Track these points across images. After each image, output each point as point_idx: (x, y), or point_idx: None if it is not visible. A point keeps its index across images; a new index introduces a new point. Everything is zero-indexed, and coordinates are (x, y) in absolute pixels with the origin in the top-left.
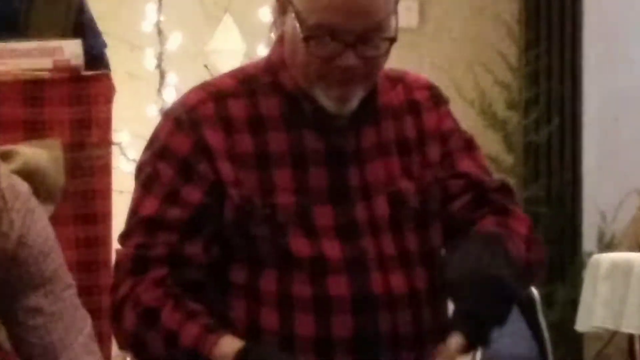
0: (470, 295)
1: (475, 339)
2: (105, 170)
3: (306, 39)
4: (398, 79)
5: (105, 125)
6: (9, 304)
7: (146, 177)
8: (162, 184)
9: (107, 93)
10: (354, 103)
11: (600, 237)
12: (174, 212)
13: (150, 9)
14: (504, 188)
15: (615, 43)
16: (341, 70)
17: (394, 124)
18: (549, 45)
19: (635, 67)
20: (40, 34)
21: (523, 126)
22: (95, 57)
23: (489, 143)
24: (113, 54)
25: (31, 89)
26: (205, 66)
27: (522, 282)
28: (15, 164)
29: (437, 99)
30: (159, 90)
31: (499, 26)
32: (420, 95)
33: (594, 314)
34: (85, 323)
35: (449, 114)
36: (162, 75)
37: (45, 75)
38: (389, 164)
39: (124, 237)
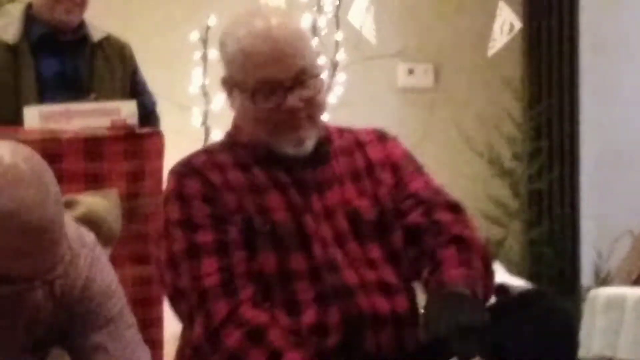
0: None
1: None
2: (157, 216)
3: (252, 96)
4: (346, 130)
5: (157, 176)
6: (76, 341)
7: (179, 221)
8: (201, 216)
9: (159, 148)
10: (308, 145)
11: (597, 273)
12: (232, 230)
13: (197, 73)
14: (452, 206)
15: (611, 101)
16: (288, 113)
17: (345, 159)
18: (550, 103)
19: (630, 123)
20: (102, 95)
21: (527, 175)
22: (148, 112)
23: (497, 190)
24: (164, 114)
25: (92, 145)
26: None
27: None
28: (78, 211)
29: (382, 136)
30: (205, 145)
31: (505, 86)
32: (364, 137)
33: (592, 342)
34: (146, 358)
35: (396, 147)
36: (207, 132)
37: (104, 133)
38: (344, 190)
39: (195, 269)
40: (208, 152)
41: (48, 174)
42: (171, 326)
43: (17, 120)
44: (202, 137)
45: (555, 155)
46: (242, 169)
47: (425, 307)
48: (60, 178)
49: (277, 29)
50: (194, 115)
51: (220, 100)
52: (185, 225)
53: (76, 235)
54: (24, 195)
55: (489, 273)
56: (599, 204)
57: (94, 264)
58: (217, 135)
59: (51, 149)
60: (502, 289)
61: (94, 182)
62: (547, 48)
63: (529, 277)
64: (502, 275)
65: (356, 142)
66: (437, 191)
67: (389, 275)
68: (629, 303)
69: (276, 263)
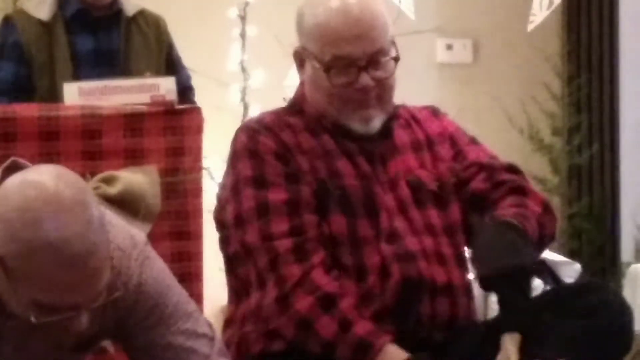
0: (503, 291)
1: (523, 329)
2: (196, 192)
3: (327, 71)
4: (400, 106)
5: (196, 152)
6: (136, 340)
7: (251, 178)
8: (275, 174)
9: (198, 124)
10: (376, 123)
11: (638, 248)
12: (305, 190)
13: (235, 50)
14: (512, 168)
15: None
16: (359, 91)
17: (405, 132)
18: (589, 77)
19: None
20: (138, 70)
21: (567, 151)
22: (184, 87)
23: (537, 166)
24: (202, 90)
25: (131, 122)
26: (284, 99)
27: (537, 255)
28: (117, 187)
29: (435, 112)
30: (243, 121)
31: (544, 61)
32: (418, 114)
33: (634, 319)
34: (211, 346)
35: (450, 121)
36: (246, 108)
37: (144, 109)
38: (405, 159)
39: (265, 228)
40: (277, 113)
41: (90, 197)
42: (210, 303)
43: (52, 96)
44: (241, 114)
45: (595, 130)
46: (312, 133)
47: (474, 239)
48: (100, 154)
49: (358, 6)
50: (233, 91)
51: (259, 77)
52: (257, 182)
53: (126, 235)
54: (68, 225)
55: (548, 216)
56: (639, 179)
57: (145, 263)
58: (256, 111)
59: (91, 125)
60: (544, 266)
61: (134, 158)
62: (587, 22)
63: (568, 252)
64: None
65: (412, 117)
66: (495, 157)
67: (445, 246)
68: None
69: (346, 227)
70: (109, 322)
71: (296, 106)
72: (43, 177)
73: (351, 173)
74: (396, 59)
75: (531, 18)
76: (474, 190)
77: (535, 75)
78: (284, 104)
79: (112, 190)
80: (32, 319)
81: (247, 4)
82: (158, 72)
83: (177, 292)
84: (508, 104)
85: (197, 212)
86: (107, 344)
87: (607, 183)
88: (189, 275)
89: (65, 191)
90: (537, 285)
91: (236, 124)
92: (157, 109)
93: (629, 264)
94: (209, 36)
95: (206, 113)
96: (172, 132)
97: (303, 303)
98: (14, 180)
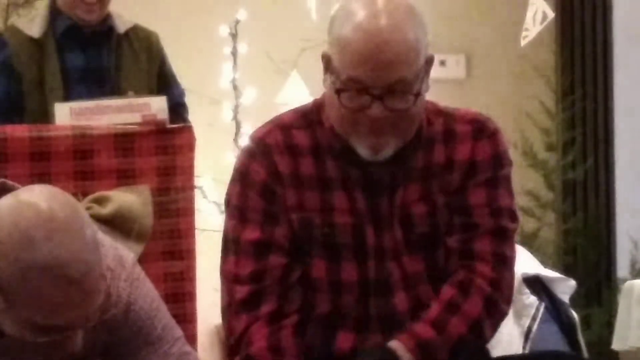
0: None
1: None
2: (188, 211)
3: (338, 92)
4: (442, 114)
5: (188, 171)
6: None
7: (236, 207)
8: (254, 210)
9: (189, 143)
10: (387, 152)
11: (633, 264)
12: (278, 232)
13: (227, 68)
14: (495, 232)
15: None
16: (370, 120)
17: (424, 154)
18: (584, 92)
19: None
20: (128, 87)
21: (561, 166)
22: (177, 104)
23: (531, 181)
24: (195, 108)
25: (122, 141)
26: None
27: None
28: (110, 208)
29: (479, 132)
30: (235, 139)
31: (537, 76)
32: (460, 128)
33: (629, 334)
34: None
35: (487, 148)
36: (238, 126)
37: (135, 129)
38: (408, 191)
39: (234, 267)
40: (287, 128)
41: (83, 217)
42: (203, 322)
43: (43, 113)
44: (233, 132)
45: (589, 145)
46: (315, 157)
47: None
48: (92, 174)
49: (388, 30)
50: (225, 109)
51: (250, 94)
52: (239, 214)
53: (115, 255)
54: (63, 246)
55: (475, 331)
56: (634, 194)
57: (134, 284)
58: (248, 129)
59: (82, 145)
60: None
61: (125, 177)
62: (581, 37)
63: (563, 269)
64: (536, 267)
65: (447, 132)
66: (494, 212)
67: (429, 295)
68: None
69: (325, 272)
70: (98, 342)
71: (313, 114)
72: (36, 198)
73: (344, 208)
74: (417, 95)
75: (524, 33)
76: (447, 246)
77: (529, 91)
78: None
79: (104, 210)
80: (29, 339)
81: (237, 22)
82: (150, 89)
83: (166, 315)
84: (501, 119)
85: (190, 231)
86: None
87: (602, 198)
88: (182, 295)
89: (59, 212)
90: (532, 302)
91: (228, 141)
92: (149, 129)
93: (624, 280)
94: (201, 54)
95: (198, 131)
96: (163, 151)
97: None
98: (7, 201)
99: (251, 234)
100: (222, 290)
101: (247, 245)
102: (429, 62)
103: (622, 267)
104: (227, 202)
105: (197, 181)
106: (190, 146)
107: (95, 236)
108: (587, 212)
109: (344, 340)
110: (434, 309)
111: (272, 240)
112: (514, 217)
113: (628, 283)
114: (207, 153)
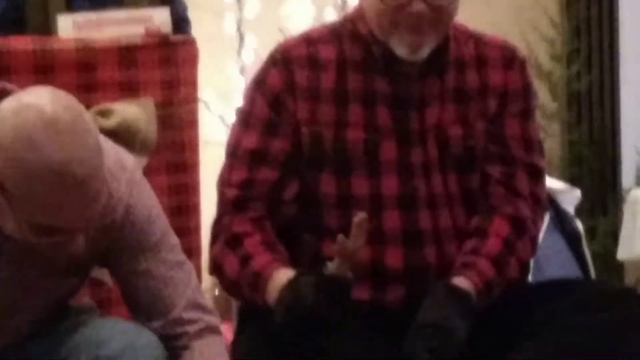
0: (431, 344)
1: None
2: (192, 124)
3: None
4: (472, 36)
5: (192, 84)
6: (122, 267)
7: (243, 111)
8: (259, 118)
9: (193, 56)
10: (424, 51)
11: (638, 174)
12: (276, 144)
13: None
14: (532, 171)
15: None
16: (411, 16)
17: (456, 75)
18: (588, 2)
19: None
20: (133, 2)
21: (566, 77)
22: (179, 19)
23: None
24: (198, 20)
25: (126, 54)
26: (280, 29)
27: (477, 313)
28: (113, 120)
29: (510, 59)
30: (239, 52)
31: None
32: (491, 53)
33: (634, 244)
34: (190, 277)
35: (518, 77)
36: (241, 38)
37: (138, 41)
38: (444, 111)
39: (228, 169)
40: (313, 42)
41: (87, 120)
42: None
43: (44, 28)
44: (237, 44)
45: (594, 56)
46: (338, 70)
47: (427, 301)
48: (95, 87)
49: None
50: (228, 22)
51: (254, 7)
52: (244, 119)
53: (116, 159)
54: (68, 149)
55: (521, 273)
56: (639, 103)
57: (134, 189)
58: (251, 42)
59: (86, 58)
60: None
61: (129, 90)
62: None
63: (569, 179)
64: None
65: (478, 57)
66: (528, 145)
67: (462, 217)
68: None
69: (335, 187)
70: (98, 247)
71: (343, 27)
72: (39, 100)
73: (359, 123)
74: None
75: None
76: (488, 175)
77: (534, 1)
78: (279, 33)
79: (108, 122)
80: (32, 240)
81: None
82: (152, 3)
83: (164, 222)
84: (506, 30)
85: (194, 144)
86: (105, 276)
87: (607, 109)
88: (187, 207)
89: (63, 114)
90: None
91: (232, 54)
92: (152, 41)
93: (629, 190)
94: None
95: (201, 44)
96: (167, 64)
97: (217, 247)
98: (10, 103)
99: (249, 141)
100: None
101: (243, 153)
102: None
103: (627, 177)
104: (240, 106)
105: (200, 93)
106: (193, 59)
107: (97, 139)
108: (592, 123)
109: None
110: (495, 245)
111: (268, 152)
112: (542, 152)
113: (633, 192)
114: (210, 65)
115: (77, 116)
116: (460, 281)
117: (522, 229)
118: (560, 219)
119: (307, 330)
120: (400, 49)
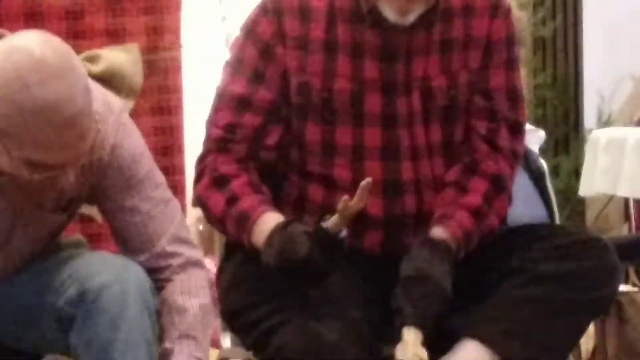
0: (415, 295)
1: (424, 328)
2: (176, 69)
3: None
4: None
5: (175, 30)
6: (109, 203)
7: (234, 57)
8: (248, 65)
9: (176, 3)
10: (412, 16)
11: (599, 116)
12: (262, 93)
13: None
14: (514, 127)
15: None
16: None
17: (443, 26)
18: None
19: None
20: None
21: (532, 23)
22: None
23: None
24: None
25: (112, 2)
26: None
27: (456, 262)
28: (101, 65)
29: (495, 8)
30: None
31: None
32: (479, 3)
33: (594, 181)
34: (175, 213)
35: (503, 26)
36: None
37: None
38: (429, 62)
39: (215, 111)
40: None
41: (76, 62)
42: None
43: None
44: None
45: (558, 3)
46: (328, 21)
47: (411, 254)
48: (83, 34)
49: None
50: None
51: None
52: (234, 65)
53: (103, 101)
54: (56, 90)
55: (499, 225)
56: (601, 50)
57: (120, 129)
58: None
59: (74, 5)
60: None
61: (115, 37)
62: None
63: (534, 121)
64: None
65: (466, 6)
66: (511, 97)
67: (441, 167)
68: (630, 143)
69: (320, 134)
70: (86, 185)
71: None
72: (29, 43)
73: (346, 74)
74: None
75: None
76: (472, 128)
77: None
78: None
79: (96, 68)
80: (25, 175)
81: None
82: None
83: (150, 161)
84: None
85: (177, 88)
86: (94, 212)
87: (571, 54)
88: (172, 148)
89: (51, 56)
90: None
91: (213, 3)
92: None
93: (590, 131)
94: None
95: None
96: (151, 10)
97: (203, 182)
98: (1, 46)
99: (237, 87)
100: None
101: (230, 97)
102: None
103: (589, 119)
104: (229, 53)
105: (184, 40)
106: (177, 5)
107: (86, 81)
108: (556, 67)
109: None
110: (475, 199)
111: (252, 99)
112: (524, 101)
113: (594, 133)
114: (194, 13)
115: (65, 58)
116: (441, 232)
117: (501, 186)
118: (526, 158)
119: (296, 276)
120: (389, 12)
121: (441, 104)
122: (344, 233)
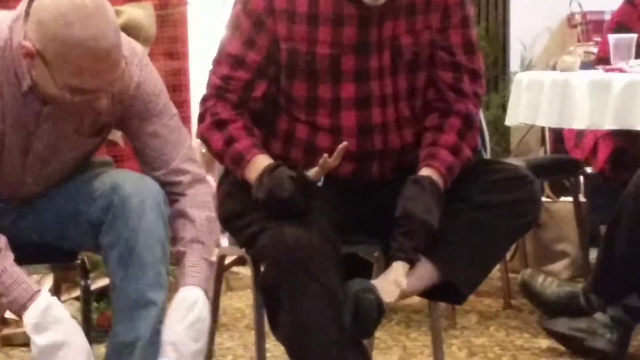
0: (406, 232)
1: (410, 262)
2: (183, 22)
3: None
4: None
5: None
6: (134, 129)
7: (233, 22)
8: (242, 32)
9: None
10: None
11: (522, 61)
12: (251, 55)
13: None
14: (474, 73)
15: None
16: None
17: None
18: None
19: None
20: None
21: None
22: None
23: None
24: None
25: None
26: None
27: (443, 197)
28: (122, 19)
29: None
30: None
31: None
32: None
33: (517, 114)
34: (186, 138)
35: None
36: None
37: None
38: (397, 24)
39: (216, 63)
40: None
41: (108, 7)
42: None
43: None
44: None
45: None
46: None
47: (404, 197)
48: None
49: None
50: None
51: None
52: (232, 28)
53: (128, 46)
54: (92, 27)
55: (472, 155)
56: (524, 8)
57: (143, 68)
58: None
59: None
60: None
61: None
62: None
63: None
64: None
65: None
66: (469, 50)
67: (405, 109)
68: (546, 84)
69: (306, 90)
70: (116, 112)
71: None
72: None
73: (327, 41)
74: None
75: None
76: (439, 79)
77: None
78: None
79: (119, 20)
80: (68, 99)
81: None
82: None
83: (166, 96)
84: None
85: (184, 37)
86: (118, 138)
87: (500, 9)
88: (179, 85)
89: (90, 1)
90: None
91: None
92: None
93: (515, 73)
94: None
95: None
96: None
97: (205, 123)
98: None
99: (233, 47)
100: None
101: (227, 54)
102: None
103: (514, 63)
104: (231, 15)
105: None
106: None
107: (116, 23)
108: (488, 21)
109: (322, 141)
110: (451, 136)
111: (244, 59)
112: (478, 52)
113: (518, 75)
114: None
115: (100, 3)
116: (428, 171)
117: (471, 122)
118: None
119: (279, 211)
120: None
121: (407, 58)
122: (320, 182)
